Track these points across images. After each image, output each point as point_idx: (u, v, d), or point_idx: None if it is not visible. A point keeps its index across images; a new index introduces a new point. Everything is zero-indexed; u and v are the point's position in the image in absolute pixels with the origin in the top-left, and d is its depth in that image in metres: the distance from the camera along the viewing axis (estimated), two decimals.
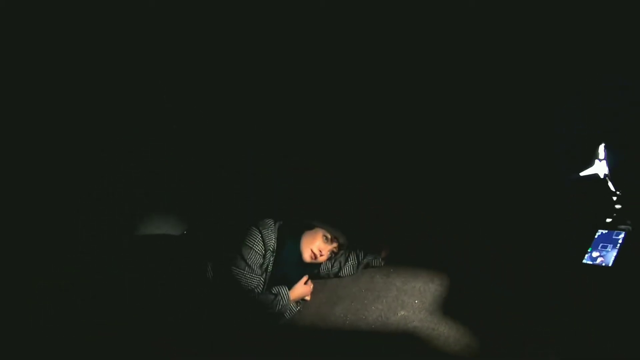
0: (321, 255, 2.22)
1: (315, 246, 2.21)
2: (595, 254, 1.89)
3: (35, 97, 2.15)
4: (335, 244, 2.27)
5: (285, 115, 2.51)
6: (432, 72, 2.26)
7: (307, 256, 2.21)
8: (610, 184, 2.01)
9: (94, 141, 2.26)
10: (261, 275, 2.14)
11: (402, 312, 2.00)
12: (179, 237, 2.43)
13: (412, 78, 2.29)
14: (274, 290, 2.13)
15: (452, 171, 2.33)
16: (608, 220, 1.96)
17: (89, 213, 2.23)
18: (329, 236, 2.26)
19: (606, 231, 1.93)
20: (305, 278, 2.24)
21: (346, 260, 2.32)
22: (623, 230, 1.89)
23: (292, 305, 2.18)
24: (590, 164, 2.06)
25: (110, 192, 2.29)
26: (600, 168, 2.04)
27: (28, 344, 1.83)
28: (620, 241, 1.86)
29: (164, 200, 2.42)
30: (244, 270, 2.09)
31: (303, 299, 2.25)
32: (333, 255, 2.29)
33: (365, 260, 2.33)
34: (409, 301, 2.04)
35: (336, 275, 2.33)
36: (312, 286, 2.27)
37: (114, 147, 2.30)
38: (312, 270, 2.30)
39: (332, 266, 2.32)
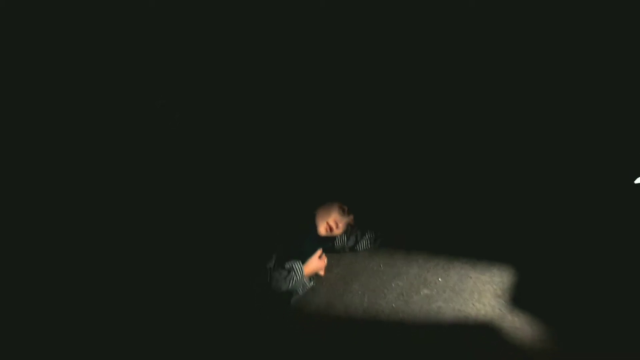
0: (337, 228, 2.07)
1: (331, 218, 2.06)
2: None
3: (35, 97, 2.12)
4: (351, 217, 2.12)
5: (286, 114, 2.47)
6: (433, 71, 2.23)
7: (322, 229, 2.06)
8: None
9: (94, 141, 2.23)
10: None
11: (425, 291, 1.87)
12: (181, 233, 2.28)
13: (412, 78, 2.27)
14: (287, 265, 1.99)
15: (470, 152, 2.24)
16: None
17: (89, 213, 2.20)
18: (346, 208, 2.10)
19: None
20: (319, 252, 2.10)
21: (363, 234, 2.17)
22: None
23: (306, 280, 2.05)
24: None
25: (110, 192, 2.24)
26: None
27: (28, 344, 1.78)
28: None
29: (166, 199, 2.33)
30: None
31: (317, 274, 2.12)
32: (349, 228, 2.14)
33: (381, 236, 2.19)
34: (432, 279, 1.91)
35: (352, 249, 2.19)
36: (326, 260, 2.13)
37: (114, 147, 2.26)
38: (327, 244, 2.16)
39: (347, 240, 2.18)
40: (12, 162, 2.09)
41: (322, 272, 2.13)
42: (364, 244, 2.17)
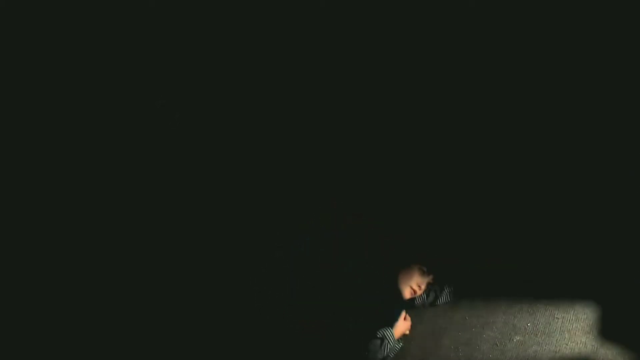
0: (420, 289, 2.17)
1: (414, 282, 2.16)
2: None
3: (35, 96, 2.13)
4: (431, 276, 2.22)
5: (287, 114, 2.47)
6: (432, 71, 2.26)
7: (407, 294, 2.16)
8: None
9: (94, 140, 2.23)
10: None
11: (517, 337, 2.00)
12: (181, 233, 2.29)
13: (413, 78, 2.31)
14: (379, 334, 2.08)
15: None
16: None
17: (89, 213, 2.21)
18: (425, 268, 2.21)
19: None
20: (404, 313, 2.19)
21: (442, 289, 2.28)
22: None
23: (396, 344, 2.15)
24: None
25: (110, 192, 2.25)
26: None
27: (28, 344, 1.83)
28: None
29: (166, 199, 2.33)
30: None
31: (403, 335, 2.22)
32: (429, 286, 2.24)
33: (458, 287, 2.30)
34: (521, 324, 2.04)
35: (432, 304, 2.29)
36: (410, 320, 2.23)
37: (114, 147, 2.27)
38: (408, 303, 2.25)
39: (427, 296, 2.28)
40: (11, 162, 2.10)
41: (407, 332, 2.23)
42: (444, 297, 2.27)
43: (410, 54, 2.25)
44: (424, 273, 2.20)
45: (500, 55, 2.20)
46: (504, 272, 2.23)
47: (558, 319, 2.00)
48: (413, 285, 2.15)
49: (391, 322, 2.15)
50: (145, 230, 2.15)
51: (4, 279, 1.97)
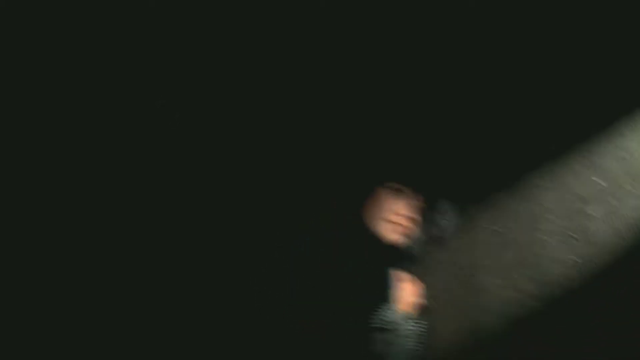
0: (410, 220, 1.57)
1: (387, 210, 1.59)
2: None
3: (35, 96, 2.13)
4: (414, 196, 1.64)
5: (286, 114, 2.32)
6: (433, 72, 2.21)
7: (388, 231, 1.58)
8: None
9: (93, 141, 2.18)
10: None
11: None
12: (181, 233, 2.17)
13: (412, 78, 2.23)
14: (377, 322, 1.62)
15: None
16: None
17: (89, 213, 2.16)
18: (399, 187, 1.64)
19: None
20: (398, 274, 1.62)
21: (441, 211, 1.63)
22: None
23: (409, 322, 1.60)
24: None
25: (110, 192, 2.18)
26: None
27: (28, 344, 1.77)
28: None
29: (166, 199, 2.24)
30: None
31: (415, 305, 1.63)
32: (422, 214, 1.60)
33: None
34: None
35: (438, 241, 1.62)
36: (412, 280, 1.62)
37: (114, 147, 2.20)
38: (399, 257, 1.65)
39: (424, 231, 1.62)
40: (11, 162, 2.03)
41: (419, 299, 1.58)
42: (446, 223, 1.53)
43: (410, 53, 2.24)
44: (400, 194, 1.60)
45: (500, 54, 2.17)
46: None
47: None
48: (390, 216, 1.56)
49: (385, 296, 1.60)
50: (145, 230, 2.12)
51: (3, 279, 1.98)
